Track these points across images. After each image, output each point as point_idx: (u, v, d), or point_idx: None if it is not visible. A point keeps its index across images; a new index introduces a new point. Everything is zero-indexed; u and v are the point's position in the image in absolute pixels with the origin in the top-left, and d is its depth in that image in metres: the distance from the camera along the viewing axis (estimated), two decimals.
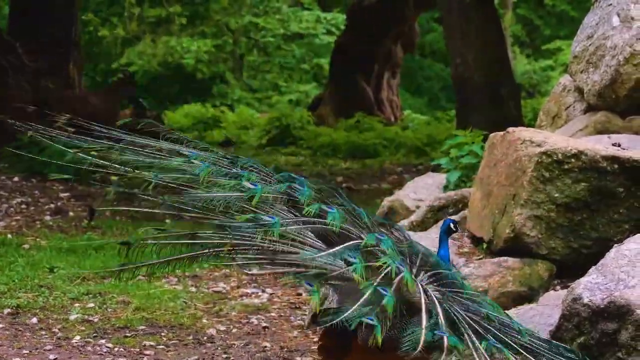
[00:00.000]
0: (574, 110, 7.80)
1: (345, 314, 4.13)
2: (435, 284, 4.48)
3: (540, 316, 5.41)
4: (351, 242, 4.47)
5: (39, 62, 16.17)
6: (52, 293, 7.54)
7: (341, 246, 4.45)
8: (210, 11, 30.20)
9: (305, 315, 7.05)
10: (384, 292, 4.20)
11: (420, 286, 4.30)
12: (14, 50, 16.00)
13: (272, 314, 7.26)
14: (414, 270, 4.48)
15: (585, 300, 4.84)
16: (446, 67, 28.22)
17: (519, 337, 4.38)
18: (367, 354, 4.30)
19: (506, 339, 4.30)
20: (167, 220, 5.74)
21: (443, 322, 4.17)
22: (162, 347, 6.35)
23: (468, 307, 4.38)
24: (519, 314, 5.51)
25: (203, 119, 25.17)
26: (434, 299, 4.27)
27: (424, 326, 4.13)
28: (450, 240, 6.62)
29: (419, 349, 4.05)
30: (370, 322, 4.10)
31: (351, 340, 4.31)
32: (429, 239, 6.57)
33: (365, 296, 4.19)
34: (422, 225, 7.58)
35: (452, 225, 4.91)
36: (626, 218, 5.99)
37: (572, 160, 5.96)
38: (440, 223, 7.27)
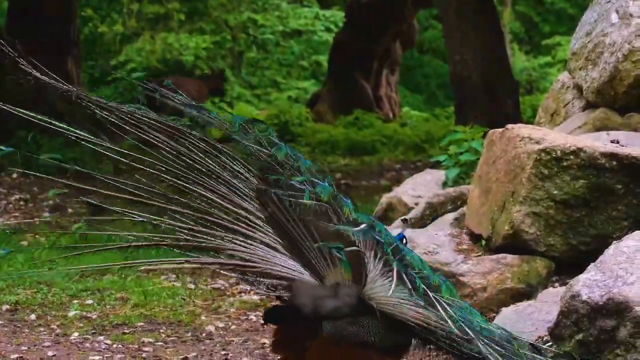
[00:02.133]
0: (572, 107, 7.80)
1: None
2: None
3: (539, 313, 5.41)
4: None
5: (39, 61, 16.14)
6: (50, 290, 7.54)
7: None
8: (209, 8, 30.14)
9: None
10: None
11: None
12: (13, 50, 15.97)
13: None
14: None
15: (584, 297, 4.84)
16: (445, 64, 28.19)
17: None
18: (327, 349, 4.13)
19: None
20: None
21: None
22: (161, 343, 6.34)
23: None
24: (518, 311, 5.52)
25: None
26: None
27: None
28: (449, 237, 6.64)
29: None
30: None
31: (312, 335, 4.14)
32: (426, 236, 6.58)
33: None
34: (420, 222, 7.58)
35: (404, 240, 4.73)
36: (625, 215, 5.99)
37: (571, 157, 5.96)
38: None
